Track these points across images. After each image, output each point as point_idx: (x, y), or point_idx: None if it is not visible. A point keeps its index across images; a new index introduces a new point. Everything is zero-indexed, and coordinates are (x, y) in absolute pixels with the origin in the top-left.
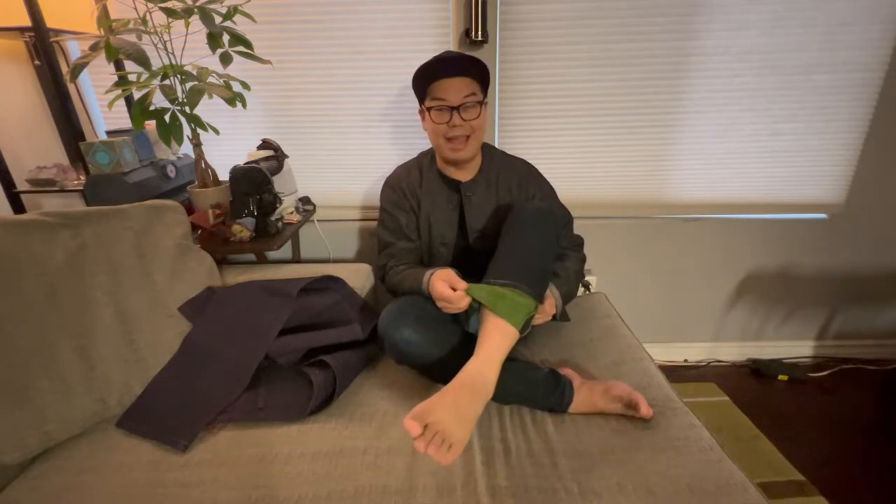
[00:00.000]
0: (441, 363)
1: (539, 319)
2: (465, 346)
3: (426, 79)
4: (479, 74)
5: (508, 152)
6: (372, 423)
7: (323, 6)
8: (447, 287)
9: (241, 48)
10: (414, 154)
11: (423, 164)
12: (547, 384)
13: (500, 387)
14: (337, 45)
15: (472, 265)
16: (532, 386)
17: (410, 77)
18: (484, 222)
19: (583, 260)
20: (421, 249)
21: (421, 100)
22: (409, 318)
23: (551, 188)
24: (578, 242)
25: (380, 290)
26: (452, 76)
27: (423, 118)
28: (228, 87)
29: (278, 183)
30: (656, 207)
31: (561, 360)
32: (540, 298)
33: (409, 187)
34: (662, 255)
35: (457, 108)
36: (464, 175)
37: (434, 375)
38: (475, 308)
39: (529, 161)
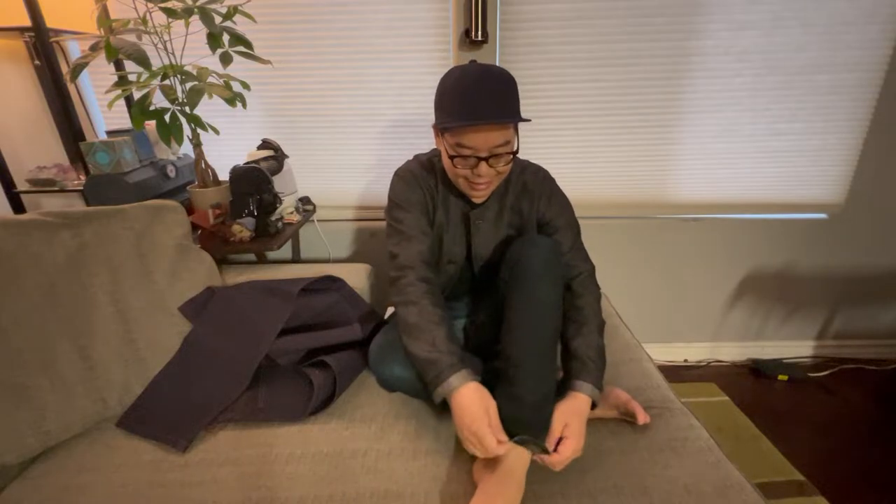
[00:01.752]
0: None
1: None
2: None
3: (451, 118)
4: (520, 117)
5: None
6: (372, 424)
7: (323, 6)
8: (489, 441)
9: (241, 48)
10: (412, 153)
11: (437, 169)
12: None
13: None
14: (337, 45)
15: (473, 283)
16: None
17: (410, 77)
18: (489, 251)
19: (599, 300)
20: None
21: (441, 126)
22: (397, 354)
23: (564, 200)
24: (591, 271)
25: (380, 290)
26: (488, 125)
27: (437, 136)
28: (228, 87)
29: (278, 183)
30: (656, 207)
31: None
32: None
33: (426, 187)
34: (662, 255)
35: (486, 158)
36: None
37: (427, 399)
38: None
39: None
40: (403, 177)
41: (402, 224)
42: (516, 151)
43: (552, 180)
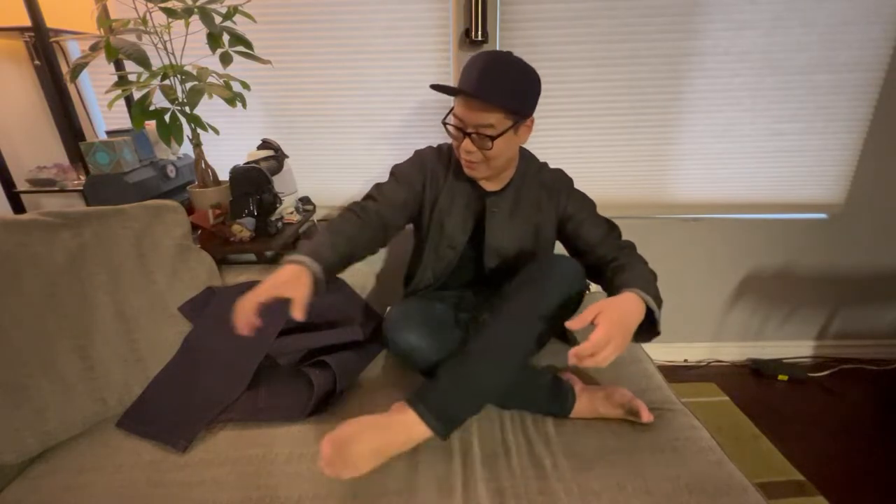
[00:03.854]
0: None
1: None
2: None
3: (458, 82)
4: (512, 105)
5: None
6: None
7: (323, 6)
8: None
9: (241, 48)
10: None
11: (453, 159)
12: (549, 391)
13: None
14: (337, 45)
15: (478, 274)
16: (534, 392)
17: (410, 77)
18: (503, 241)
19: (646, 264)
20: (392, 229)
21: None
22: (413, 322)
23: (583, 195)
24: (633, 245)
25: (380, 290)
26: (477, 97)
27: None
28: (228, 87)
29: (278, 183)
30: (656, 207)
31: (562, 363)
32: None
33: (431, 173)
34: (662, 255)
35: (469, 134)
36: (491, 184)
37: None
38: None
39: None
40: (414, 159)
41: (385, 183)
42: (497, 136)
43: (570, 179)
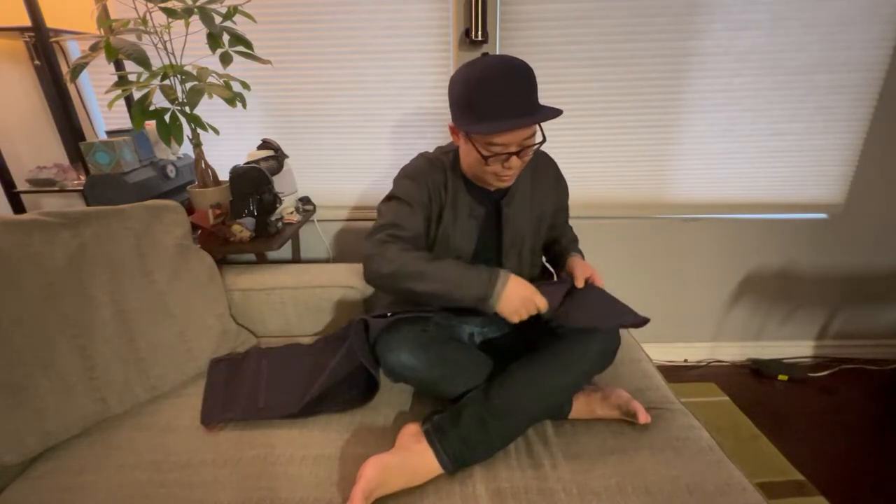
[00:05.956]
0: (441, 383)
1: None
2: (465, 363)
3: (486, 120)
4: (547, 109)
5: None
6: (374, 428)
7: (322, 6)
8: (539, 299)
9: (241, 48)
10: (413, 153)
11: (447, 166)
12: None
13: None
14: (336, 45)
15: None
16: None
17: (410, 77)
18: (520, 234)
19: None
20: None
21: (464, 123)
22: (406, 342)
23: (566, 183)
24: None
25: (379, 294)
26: (538, 120)
27: (456, 134)
28: (228, 87)
29: (278, 183)
30: (656, 207)
31: None
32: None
33: (434, 188)
34: (662, 255)
35: (517, 152)
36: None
37: (433, 394)
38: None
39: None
40: (408, 174)
41: (397, 209)
42: (543, 141)
43: (557, 165)
